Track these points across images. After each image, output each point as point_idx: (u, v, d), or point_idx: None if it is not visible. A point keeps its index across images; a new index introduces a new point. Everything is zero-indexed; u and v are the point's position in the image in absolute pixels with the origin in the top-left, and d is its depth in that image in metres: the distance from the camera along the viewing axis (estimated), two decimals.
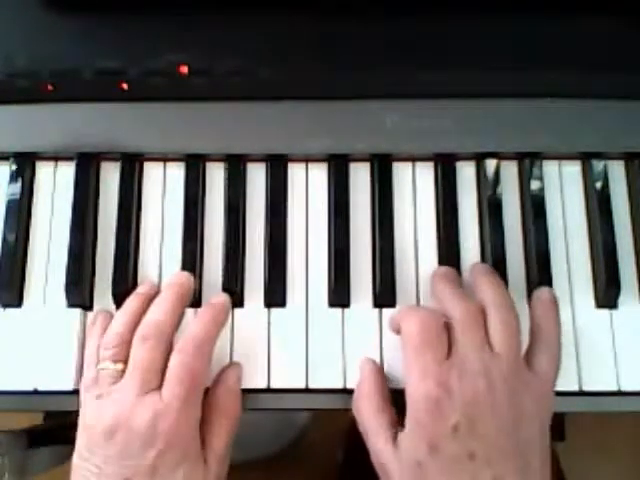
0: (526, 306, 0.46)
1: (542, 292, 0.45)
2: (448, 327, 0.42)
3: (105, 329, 0.44)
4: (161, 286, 0.47)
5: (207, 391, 0.43)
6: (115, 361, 0.42)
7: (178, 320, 0.44)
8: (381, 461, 0.41)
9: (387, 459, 0.40)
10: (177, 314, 0.44)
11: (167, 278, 0.47)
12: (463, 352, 0.40)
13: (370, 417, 0.42)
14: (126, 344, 0.42)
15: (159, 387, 0.41)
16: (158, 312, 0.43)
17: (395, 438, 0.40)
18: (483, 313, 0.42)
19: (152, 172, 0.49)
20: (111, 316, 0.45)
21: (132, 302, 0.45)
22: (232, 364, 0.45)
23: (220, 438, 0.42)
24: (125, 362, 0.42)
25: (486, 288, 0.43)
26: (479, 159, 0.49)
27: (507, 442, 0.39)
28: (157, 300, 0.44)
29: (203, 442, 0.42)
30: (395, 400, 0.43)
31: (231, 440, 0.43)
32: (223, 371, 0.44)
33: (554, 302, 0.45)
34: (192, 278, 0.46)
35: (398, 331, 0.43)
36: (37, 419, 0.60)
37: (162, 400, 0.40)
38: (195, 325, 0.43)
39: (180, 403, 0.40)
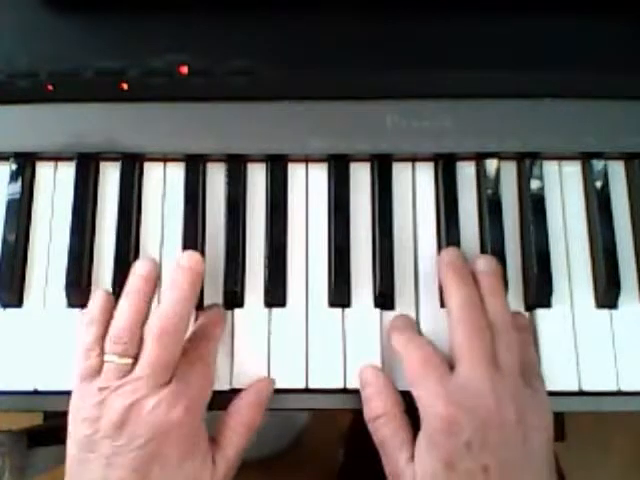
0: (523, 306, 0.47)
1: (520, 318, 0.46)
2: (452, 337, 0.42)
3: (105, 315, 0.43)
4: (170, 272, 0.45)
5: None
6: (123, 356, 0.41)
7: (191, 311, 0.43)
8: (398, 478, 0.41)
9: (406, 477, 0.41)
10: (191, 304, 0.43)
11: (176, 258, 0.44)
12: (469, 370, 0.40)
13: (391, 436, 0.42)
14: (136, 338, 0.42)
15: (170, 380, 0.41)
16: (174, 302, 0.42)
17: (413, 455, 0.41)
18: (490, 329, 0.42)
19: (152, 172, 0.49)
20: (109, 301, 0.44)
21: (135, 286, 0.44)
22: (268, 379, 0.45)
23: (234, 445, 0.43)
24: (133, 357, 0.41)
25: (492, 304, 0.43)
26: (479, 159, 0.49)
27: (518, 455, 0.40)
28: (170, 289, 0.43)
29: (217, 444, 0.42)
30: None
31: (243, 451, 0.43)
32: (258, 381, 0.45)
33: (529, 327, 0.46)
34: (202, 260, 0.44)
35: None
36: (37, 419, 0.60)
37: (174, 390, 0.40)
38: (205, 318, 0.45)
39: (192, 393, 0.41)
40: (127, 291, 0.44)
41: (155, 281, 0.45)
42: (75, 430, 0.41)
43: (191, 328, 0.44)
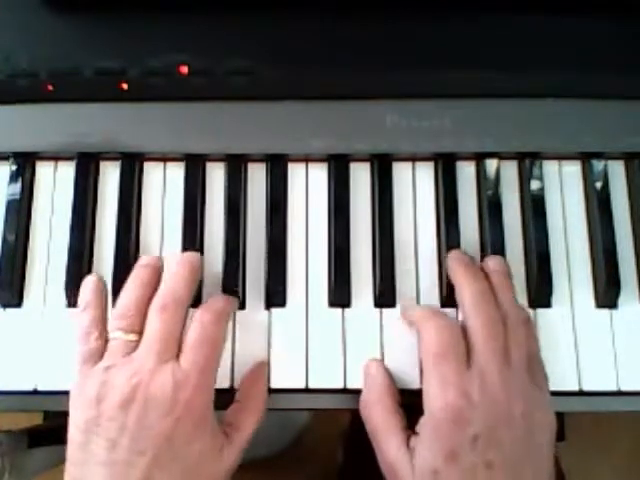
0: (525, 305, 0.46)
1: (523, 312, 0.46)
2: (465, 330, 0.42)
3: (98, 298, 0.44)
4: (167, 265, 0.45)
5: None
6: (128, 331, 0.41)
7: (192, 293, 0.44)
8: (392, 465, 0.41)
9: (399, 464, 0.40)
10: (192, 287, 0.44)
11: (174, 256, 0.46)
12: (484, 363, 0.40)
13: (381, 421, 0.42)
14: (141, 315, 0.42)
15: (176, 357, 0.41)
16: (174, 283, 0.43)
17: (407, 442, 0.41)
18: (503, 321, 0.42)
19: (152, 172, 0.49)
20: (100, 284, 0.45)
21: (140, 273, 0.44)
22: (260, 362, 0.45)
23: (249, 422, 0.43)
24: (139, 333, 0.41)
25: (504, 300, 0.43)
26: (479, 159, 0.49)
27: (523, 451, 0.39)
28: (171, 273, 0.44)
29: (232, 424, 0.42)
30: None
31: (257, 425, 0.43)
32: (256, 365, 0.45)
33: (531, 321, 0.45)
34: (200, 257, 0.45)
35: (410, 324, 0.44)
36: (37, 419, 0.60)
37: (181, 368, 0.40)
38: (213, 297, 0.44)
39: (199, 371, 0.40)
40: (131, 277, 0.44)
41: (159, 270, 0.45)
42: (77, 415, 0.40)
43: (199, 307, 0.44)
